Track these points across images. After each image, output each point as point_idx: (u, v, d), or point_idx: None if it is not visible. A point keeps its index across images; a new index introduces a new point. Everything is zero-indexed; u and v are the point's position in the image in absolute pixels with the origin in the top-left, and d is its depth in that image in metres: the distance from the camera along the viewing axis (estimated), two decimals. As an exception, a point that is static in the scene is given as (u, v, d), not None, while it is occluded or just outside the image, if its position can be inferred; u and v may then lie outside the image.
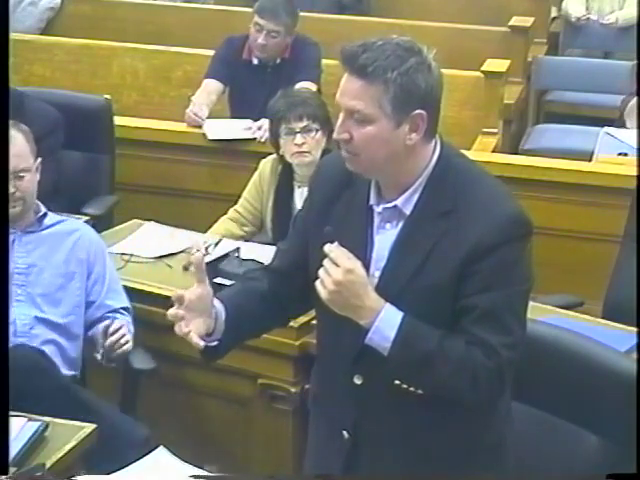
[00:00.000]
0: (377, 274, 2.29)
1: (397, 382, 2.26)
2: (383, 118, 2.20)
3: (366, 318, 2.22)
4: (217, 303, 2.38)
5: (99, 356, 3.32)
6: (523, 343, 2.27)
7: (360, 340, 2.25)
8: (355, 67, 2.19)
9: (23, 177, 3.40)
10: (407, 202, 2.28)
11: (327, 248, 2.21)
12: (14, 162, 3.35)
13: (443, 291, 2.23)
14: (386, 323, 2.21)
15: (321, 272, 2.21)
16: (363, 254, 2.28)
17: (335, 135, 2.26)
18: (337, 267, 2.19)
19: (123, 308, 3.45)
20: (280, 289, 2.48)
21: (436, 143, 2.29)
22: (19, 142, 3.40)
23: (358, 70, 2.18)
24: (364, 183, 2.33)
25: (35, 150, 3.46)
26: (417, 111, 2.20)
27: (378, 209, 2.31)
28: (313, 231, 2.37)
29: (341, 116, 2.24)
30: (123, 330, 3.30)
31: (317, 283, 2.22)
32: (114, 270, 3.54)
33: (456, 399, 2.28)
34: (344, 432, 2.38)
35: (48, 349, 3.34)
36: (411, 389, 2.26)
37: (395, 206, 2.29)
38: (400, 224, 2.29)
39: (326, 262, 2.20)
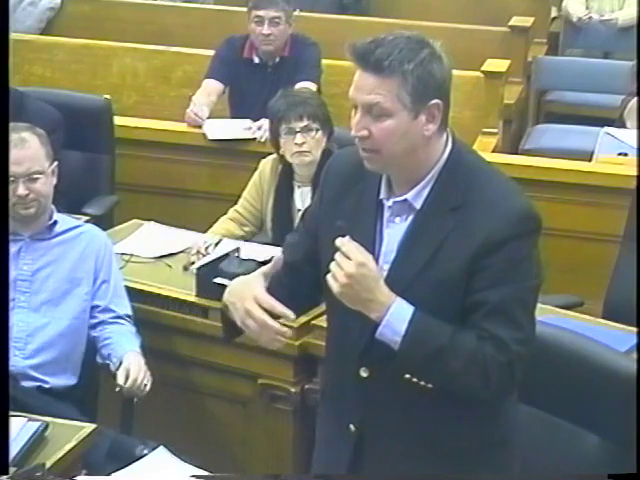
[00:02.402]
0: (386, 267, 2.29)
1: (407, 376, 2.26)
2: (402, 110, 2.20)
3: (377, 312, 2.22)
4: None
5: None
6: (534, 339, 2.27)
7: (367, 333, 2.26)
8: (370, 63, 2.19)
9: (37, 179, 3.37)
10: (417, 196, 2.29)
11: (339, 242, 2.21)
12: (27, 165, 3.34)
13: (452, 285, 2.23)
14: (397, 317, 2.21)
15: (333, 265, 2.21)
16: (373, 247, 2.29)
17: (354, 132, 2.25)
18: (349, 260, 2.19)
19: (127, 315, 3.44)
20: (288, 281, 2.48)
21: (447, 137, 2.31)
22: (34, 145, 3.39)
23: (374, 65, 2.18)
24: (374, 177, 2.34)
25: (51, 154, 3.45)
26: (434, 101, 2.22)
27: (388, 203, 2.32)
28: (324, 225, 2.38)
29: (358, 113, 2.24)
30: (137, 386, 3.21)
31: (329, 277, 2.22)
32: (120, 276, 3.53)
33: (467, 394, 2.28)
34: (351, 426, 2.38)
35: (44, 357, 3.34)
36: (421, 383, 2.26)
37: (405, 200, 2.30)
38: (410, 218, 2.30)
39: (338, 255, 2.20)
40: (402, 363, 2.25)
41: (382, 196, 2.33)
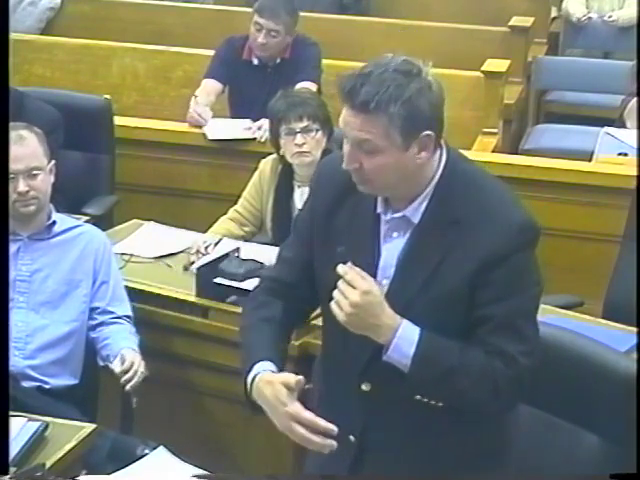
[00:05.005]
0: (385, 282, 2.27)
1: (418, 397, 2.24)
2: (391, 147, 2.17)
3: (384, 336, 2.20)
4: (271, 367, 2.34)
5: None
6: (538, 348, 2.27)
7: (368, 350, 2.25)
8: (356, 103, 2.15)
9: (36, 175, 3.38)
10: (415, 211, 2.26)
11: (341, 269, 2.18)
12: (27, 161, 3.35)
13: (454, 300, 2.21)
14: (405, 340, 2.19)
15: (336, 294, 2.18)
16: (370, 262, 2.26)
17: (345, 165, 2.22)
18: (353, 289, 2.16)
19: (126, 316, 3.44)
20: (285, 298, 2.44)
21: (442, 149, 2.28)
22: (32, 142, 3.40)
23: (360, 106, 2.15)
24: None
25: (49, 152, 3.45)
26: (425, 133, 2.18)
27: (386, 218, 2.29)
28: (319, 239, 2.36)
29: (348, 146, 2.20)
30: (133, 370, 3.24)
31: (333, 305, 2.19)
32: (120, 277, 3.53)
33: (476, 409, 2.27)
34: (350, 436, 2.35)
35: (43, 358, 3.34)
36: (432, 403, 2.25)
37: (404, 216, 2.27)
38: (408, 233, 2.27)
39: (341, 284, 2.17)
40: (413, 385, 2.23)
41: (379, 210, 2.30)
